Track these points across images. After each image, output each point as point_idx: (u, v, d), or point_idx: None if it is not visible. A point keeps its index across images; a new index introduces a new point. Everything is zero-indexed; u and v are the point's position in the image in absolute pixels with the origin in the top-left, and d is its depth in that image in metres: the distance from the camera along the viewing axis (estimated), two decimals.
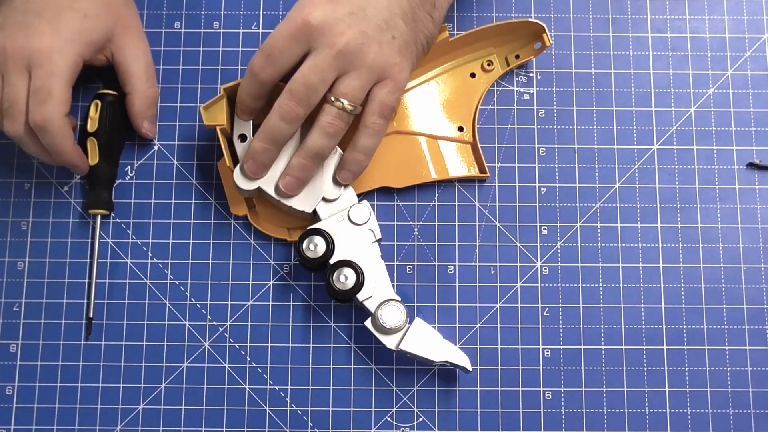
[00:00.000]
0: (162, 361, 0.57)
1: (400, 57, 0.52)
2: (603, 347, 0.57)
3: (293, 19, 0.51)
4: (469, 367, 0.54)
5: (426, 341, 0.54)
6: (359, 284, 0.54)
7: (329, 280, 0.54)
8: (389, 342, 0.54)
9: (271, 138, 0.53)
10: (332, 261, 0.55)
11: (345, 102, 0.51)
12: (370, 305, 0.54)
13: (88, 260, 0.58)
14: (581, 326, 0.57)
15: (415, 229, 0.59)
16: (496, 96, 0.61)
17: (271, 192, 0.55)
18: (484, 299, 0.58)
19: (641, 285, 0.58)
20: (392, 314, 0.54)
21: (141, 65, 0.58)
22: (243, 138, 0.56)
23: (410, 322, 0.55)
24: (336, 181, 0.56)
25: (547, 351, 0.57)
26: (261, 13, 0.62)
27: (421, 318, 0.55)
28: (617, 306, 0.58)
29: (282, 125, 0.52)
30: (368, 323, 0.55)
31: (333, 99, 0.51)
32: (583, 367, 0.57)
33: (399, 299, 0.54)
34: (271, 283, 0.58)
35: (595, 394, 0.57)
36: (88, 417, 0.56)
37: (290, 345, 0.57)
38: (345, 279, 0.54)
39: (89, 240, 0.58)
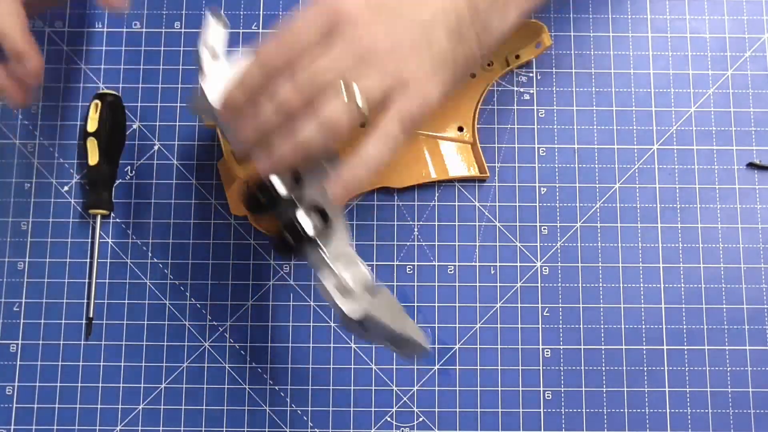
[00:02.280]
0: (162, 361, 0.57)
1: (433, 70, 0.45)
2: (603, 347, 0.57)
3: (323, 2, 0.44)
4: (428, 346, 0.47)
5: (391, 311, 0.47)
6: (324, 229, 0.47)
7: (289, 223, 0.47)
8: (348, 306, 0.46)
9: (257, 127, 0.45)
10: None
11: (358, 94, 0.43)
12: (332, 262, 0.47)
13: (88, 260, 0.58)
14: (581, 326, 0.57)
15: (415, 229, 0.59)
16: (496, 96, 0.61)
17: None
18: (484, 299, 0.58)
19: (641, 285, 0.58)
20: (357, 273, 0.47)
21: None
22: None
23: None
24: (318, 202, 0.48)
25: (547, 351, 0.57)
26: (261, 13, 0.62)
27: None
28: (617, 306, 0.58)
29: (272, 116, 0.44)
30: (327, 282, 0.47)
31: (344, 87, 0.43)
32: (583, 367, 0.57)
33: (362, 260, 0.48)
34: (271, 283, 0.58)
35: (595, 394, 0.57)
36: (88, 417, 0.56)
37: (290, 345, 0.57)
38: (309, 223, 0.47)
39: (89, 240, 0.58)
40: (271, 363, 0.57)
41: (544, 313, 0.58)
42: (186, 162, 0.60)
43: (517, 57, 0.61)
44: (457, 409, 0.56)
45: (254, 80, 0.44)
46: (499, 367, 0.57)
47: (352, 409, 0.56)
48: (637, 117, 0.61)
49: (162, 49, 0.61)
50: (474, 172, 0.59)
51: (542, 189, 0.59)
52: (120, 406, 0.56)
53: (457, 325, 0.57)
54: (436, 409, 0.56)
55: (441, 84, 0.46)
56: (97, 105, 0.58)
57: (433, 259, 0.58)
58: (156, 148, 0.60)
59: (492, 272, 0.58)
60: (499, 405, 0.56)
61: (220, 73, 0.48)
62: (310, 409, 0.56)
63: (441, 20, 0.45)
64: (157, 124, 0.60)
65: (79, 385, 0.56)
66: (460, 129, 0.60)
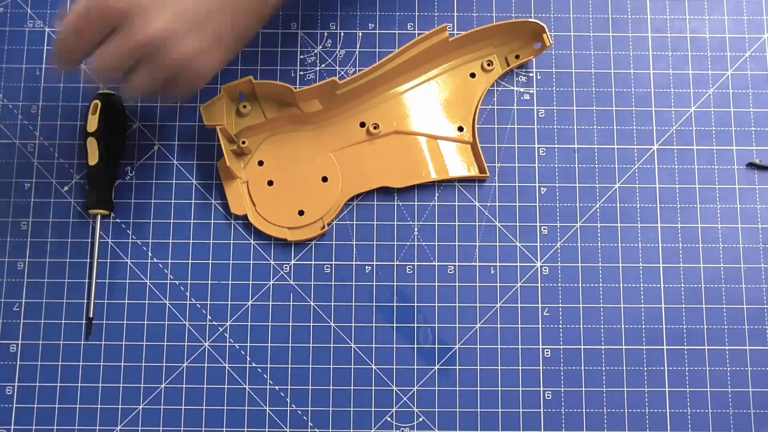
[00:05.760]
0: (162, 361, 0.57)
1: (211, 45, 0.49)
2: (603, 347, 0.57)
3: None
4: None
5: None
6: None
7: None
8: None
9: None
10: None
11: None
12: None
13: (88, 260, 0.58)
14: (581, 326, 0.57)
15: (415, 229, 0.59)
16: (496, 96, 0.61)
17: None
18: (484, 299, 0.58)
19: (641, 285, 0.58)
20: None
21: None
22: None
23: None
24: None
25: (547, 351, 0.57)
26: None
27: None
28: (617, 306, 0.58)
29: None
30: None
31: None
32: (583, 367, 0.57)
33: None
34: (271, 283, 0.58)
35: (595, 394, 0.57)
36: (88, 417, 0.56)
37: (290, 345, 0.57)
38: None
39: (89, 240, 0.58)
40: (271, 363, 0.57)
41: (544, 313, 0.58)
42: (186, 162, 0.60)
43: (517, 57, 0.61)
44: (457, 409, 0.56)
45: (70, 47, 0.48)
46: (499, 367, 0.57)
47: (352, 409, 0.56)
48: (637, 117, 0.61)
49: None
50: (474, 172, 0.59)
51: (542, 189, 0.59)
52: (120, 406, 0.56)
53: (457, 325, 0.57)
54: (436, 409, 0.56)
55: (222, 53, 0.50)
56: (97, 105, 0.58)
57: (433, 259, 0.58)
58: (156, 148, 0.60)
59: (492, 272, 0.58)
60: (499, 405, 0.56)
61: None
62: (310, 409, 0.56)
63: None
64: (157, 124, 0.60)
65: (79, 385, 0.56)
66: (460, 129, 0.60)
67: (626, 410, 0.56)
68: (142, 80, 0.48)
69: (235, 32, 0.51)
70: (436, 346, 0.57)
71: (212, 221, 0.59)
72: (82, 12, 0.47)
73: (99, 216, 0.58)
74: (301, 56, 0.61)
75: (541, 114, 0.61)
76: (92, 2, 0.46)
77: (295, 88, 0.57)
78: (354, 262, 0.58)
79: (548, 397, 0.56)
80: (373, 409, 0.56)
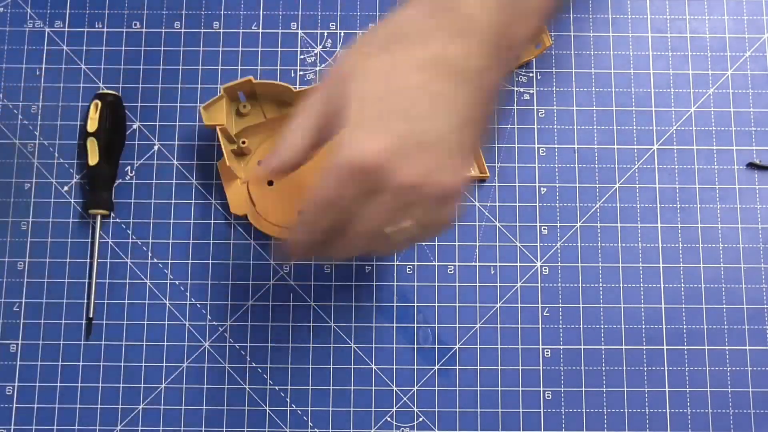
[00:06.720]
0: (162, 361, 0.57)
1: (464, 162, 0.43)
2: (603, 347, 0.57)
3: (343, 160, 0.40)
4: None
5: None
6: None
7: None
8: None
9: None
10: None
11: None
12: None
13: (88, 260, 0.58)
14: (581, 326, 0.57)
15: None
16: None
17: None
18: (484, 299, 0.58)
19: (641, 285, 0.58)
20: None
21: None
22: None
23: None
24: None
25: (547, 351, 0.57)
26: (261, 13, 0.62)
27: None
28: (617, 306, 0.58)
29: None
30: None
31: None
32: (583, 367, 0.57)
33: None
34: (271, 283, 0.58)
35: (595, 394, 0.57)
36: (88, 417, 0.56)
37: (290, 345, 0.57)
38: None
39: (89, 240, 0.58)
40: (271, 363, 0.57)
41: (544, 313, 0.58)
42: (186, 162, 0.60)
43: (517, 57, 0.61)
44: (457, 409, 0.56)
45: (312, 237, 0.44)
46: (499, 367, 0.57)
47: (352, 409, 0.56)
48: (637, 117, 0.61)
49: (162, 49, 0.61)
50: (474, 172, 0.59)
51: (542, 189, 0.60)
52: (120, 406, 0.56)
53: (457, 325, 0.57)
54: (436, 409, 0.56)
55: (467, 165, 0.46)
56: (97, 105, 0.58)
57: (433, 259, 0.58)
58: (156, 148, 0.60)
59: (492, 272, 0.58)
60: (499, 405, 0.56)
61: None
62: (310, 409, 0.56)
63: (468, 106, 0.41)
64: (157, 124, 0.60)
65: (79, 385, 0.56)
66: None
67: (626, 410, 0.56)
68: (414, 217, 0.42)
69: (483, 127, 0.45)
70: (436, 346, 0.57)
71: (212, 221, 0.59)
72: (344, 177, 0.40)
73: (99, 216, 0.58)
74: (301, 56, 0.62)
75: (541, 114, 0.61)
76: (347, 165, 0.40)
77: (295, 88, 0.57)
78: (354, 262, 0.58)
79: (548, 397, 0.56)
80: (373, 409, 0.56)
